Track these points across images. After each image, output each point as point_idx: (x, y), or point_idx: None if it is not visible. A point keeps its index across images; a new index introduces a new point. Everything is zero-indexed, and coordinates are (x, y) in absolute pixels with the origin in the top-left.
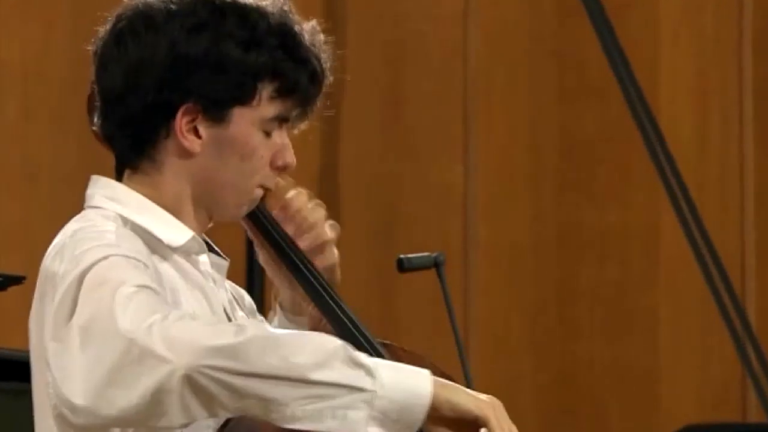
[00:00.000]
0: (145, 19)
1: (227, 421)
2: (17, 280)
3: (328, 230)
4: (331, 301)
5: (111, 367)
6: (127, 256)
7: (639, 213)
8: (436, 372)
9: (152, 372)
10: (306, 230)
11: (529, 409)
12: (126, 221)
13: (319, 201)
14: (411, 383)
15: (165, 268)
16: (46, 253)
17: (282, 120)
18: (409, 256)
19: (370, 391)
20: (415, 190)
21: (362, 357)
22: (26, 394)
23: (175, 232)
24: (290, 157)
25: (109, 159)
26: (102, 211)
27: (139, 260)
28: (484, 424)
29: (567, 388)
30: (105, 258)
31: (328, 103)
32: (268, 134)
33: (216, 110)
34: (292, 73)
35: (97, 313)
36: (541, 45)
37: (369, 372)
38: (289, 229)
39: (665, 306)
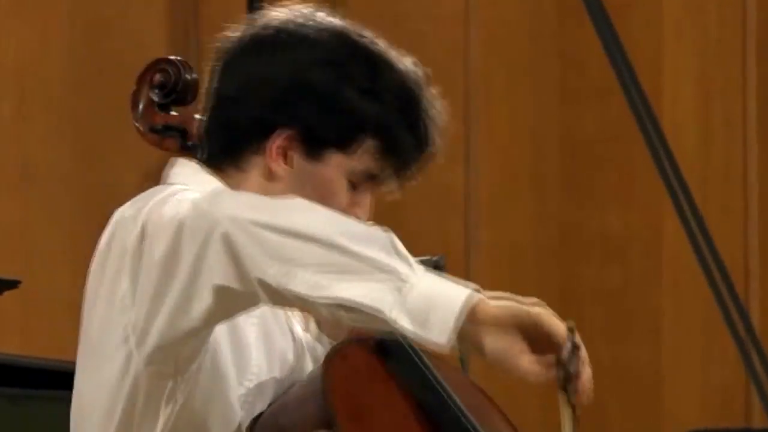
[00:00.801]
0: (280, 37)
1: (258, 417)
2: (12, 284)
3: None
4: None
5: (162, 257)
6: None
7: (641, 214)
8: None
9: (199, 235)
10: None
11: (531, 412)
12: None
13: None
14: (451, 287)
15: None
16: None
17: (371, 177)
18: None
19: (406, 280)
20: (415, 192)
21: (406, 252)
22: (23, 400)
23: None
24: (364, 216)
25: (107, 160)
26: (177, 186)
27: None
28: (543, 326)
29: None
30: (174, 192)
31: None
32: (353, 186)
33: (313, 146)
34: (398, 135)
35: (158, 228)
36: (542, 45)
37: (410, 265)
38: None
39: (667, 308)
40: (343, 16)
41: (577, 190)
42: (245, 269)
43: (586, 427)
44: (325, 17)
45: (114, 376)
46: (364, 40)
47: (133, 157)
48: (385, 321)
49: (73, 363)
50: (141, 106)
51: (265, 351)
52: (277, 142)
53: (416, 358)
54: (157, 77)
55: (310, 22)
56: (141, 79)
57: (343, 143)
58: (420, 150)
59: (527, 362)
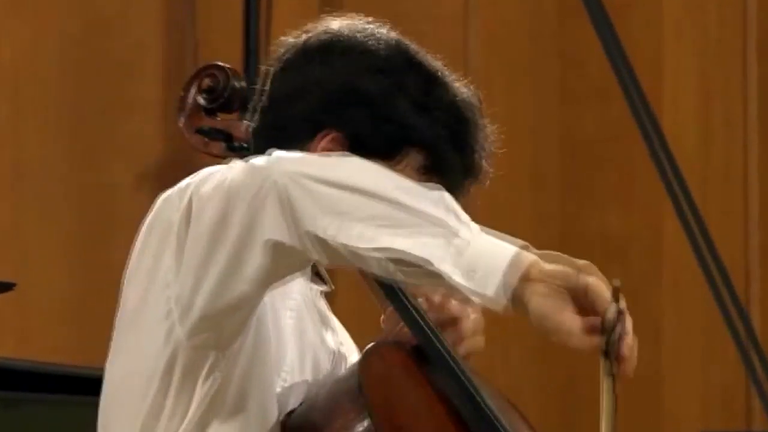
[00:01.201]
0: (342, 45)
1: (291, 412)
2: (7, 287)
3: (479, 344)
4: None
5: (213, 222)
6: None
7: (641, 216)
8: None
9: (253, 184)
10: (449, 324)
11: (532, 414)
12: None
13: (480, 316)
14: (510, 247)
15: None
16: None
17: None
18: None
19: (457, 234)
20: None
21: (462, 211)
22: (18, 403)
23: None
24: None
25: (102, 161)
26: None
27: None
28: (593, 292)
29: (570, 393)
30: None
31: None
32: None
33: (357, 151)
34: (445, 154)
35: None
36: (542, 45)
37: (467, 224)
38: (448, 335)
39: (667, 309)
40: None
41: (577, 190)
42: (298, 223)
43: (588, 428)
44: (383, 30)
45: (153, 352)
46: (421, 55)
47: (130, 158)
48: (434, 273)
49: (69, 366)
50: (187, 110)
51: (298, 348)
52: (322, 143)
53: (453, 365)
54: (206, 81)
55: (369, 33)
56: (189, 83)
57: (389, 153)
58: (464, 173)
59: (570, 320)
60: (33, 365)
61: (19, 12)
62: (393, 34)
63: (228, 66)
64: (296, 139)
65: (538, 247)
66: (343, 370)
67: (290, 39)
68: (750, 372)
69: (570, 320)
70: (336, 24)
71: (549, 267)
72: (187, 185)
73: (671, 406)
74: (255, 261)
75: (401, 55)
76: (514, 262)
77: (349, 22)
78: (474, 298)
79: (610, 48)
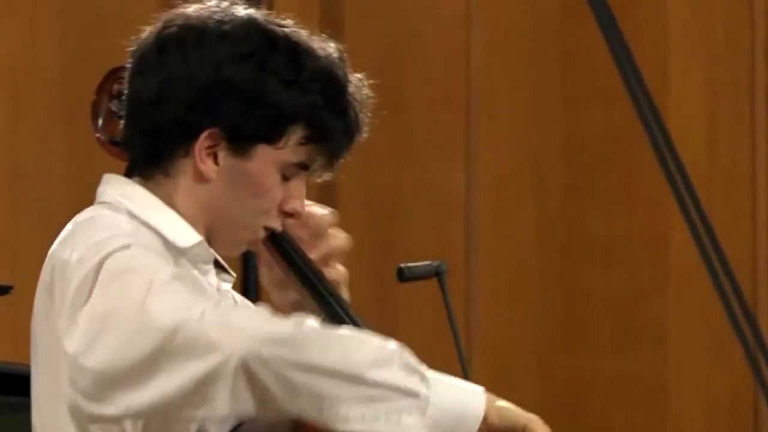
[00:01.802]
0: (196, 34)
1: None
2: (3, 290)
3: (341, 242)
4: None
5: (140, 358)
6: (147, 248)
7: (646, 219)
8: None
9: (203, 358)
10: (318, 237)
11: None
12: (134, 216)
13: (332, 210)
14: (464, 395)
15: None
16: (54, 244)
17: (303, 167)
18: (410, 264)
19: (425, 397)
20: (415, 197)
21: (416, 362)
22: (14, 408)
23: (184, 233)
24: (300, 206)
25: (99, 163)
26: (112, 206)
27: (161, 254)
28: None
29: (573, 401)
30: (126, 247)
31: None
32: (285, 178)
33: (240, 142)
34: (326, 122)
35: (121, 303)
36: (544, 45)
37: (424, 379)
38: (301, 234)
39: (674, 316)
40: (341, 16)
41: (580, 192)
42: (275, 406)
43: None
44: (240, 10)
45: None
46: (284, 30)
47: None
48: None
49: None
50: (101, 118)
51: None
52: (203, 143)
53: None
54: (116, 87)
55: (226, 17)
56: (100, 90)
57: (271, 136)
58: (350, 134)
59: None
60: (29, 369)
61: (16, 11)
62: (251, 12)
63: None
64: (175, 144)
65: (542, 252)
66: None
67: (143, 35)
68: (758, 378)
69: None
70: (189, 13)
71: (494, 407)
72: (85, 260)
73: (678, 413)
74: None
75: (258, 34)
76: (482, 415)
77: (201, 7)
78: None
79: (615, 47)
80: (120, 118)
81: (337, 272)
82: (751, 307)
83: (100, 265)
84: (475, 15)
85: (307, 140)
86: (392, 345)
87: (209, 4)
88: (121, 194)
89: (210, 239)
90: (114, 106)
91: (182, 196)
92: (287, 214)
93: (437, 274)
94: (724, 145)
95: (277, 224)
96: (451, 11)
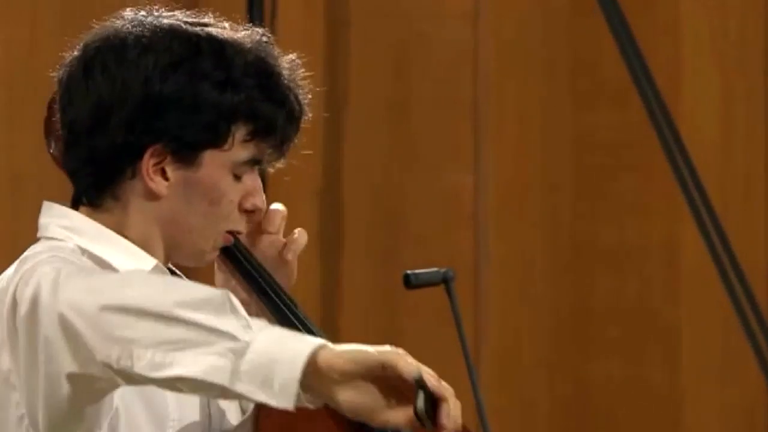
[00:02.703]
0: (116, 53)
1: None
2: None
3: (298, 239)
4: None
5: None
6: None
7: (659, 225)
8: None
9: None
10: (265, 231)
11: (543, 425)
12: (83, 251)
13: (281, 207)
14: (294, 341)
15: None
16: None
17: (255, 162)
18: (417, 271)
19: (242, 341)
20: (422, 202)
21: (242, 310)
22: None
23: (135, 260)
24: (260, 201)
25: None
26: (57, 242)
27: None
28: (393, 368)
29: (583, 410)
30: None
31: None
32: (238, 177)
33: (186, 153)
34: (268, 114)
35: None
36: (554, 46)
37: (246, 324)
38: (245, 228)
39: (687, 323)
40: (346, 17)
41: (591, 198)
42: (92, 354)
43: None
44: (160, 18)
45: None
46: (206, 29)
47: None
48: (234, 392)
49: None
50: (55, 134)
51: (177, 396)
52: (149, 161)
53: (297, 322)
54: None
55: (145, 29)
56: (50, 106)
57: (216, 140)
58: (293, 119)
59: (393, 417)
60: None
61: (14, 15)
62: (165, 19)
63: None
64: (119, 168)
65: (552, 259)
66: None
67: (65, 59)
68: None
69: (392, 417)
70: (104, 30)
71: (342, 359)
72: (9, 284)
73: (691, 424)
74: (63, 391)
75: (180, 40)
76: (290, 360)
77: (119, 22)
78: (280, 408)
79: (627, 49)
80: None
81: (290, 274)
82: (765, 314)
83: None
84: (483, 14)
85: (252, 135)
86: (216, 290)
87: (130, 15)
88: (65, 226)
89: (172, 254)
90: None
91: (135, 218)
92: (248, 213)
93: (445, 280)
94: (738, 149)
95: (240, 226)
96: (459, 11)
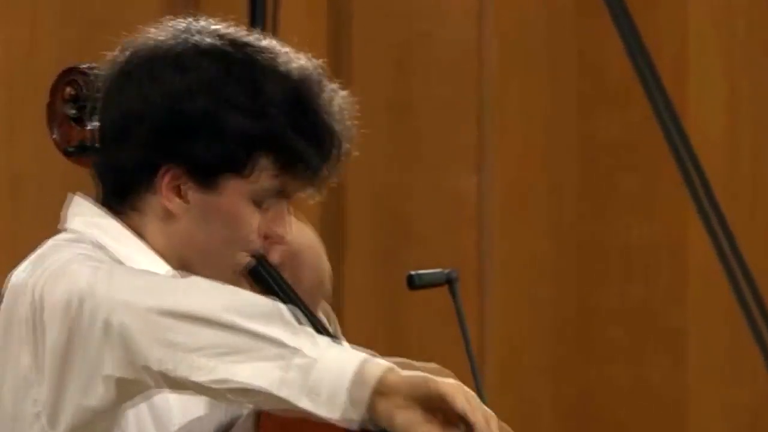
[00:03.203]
0: (149, 66)
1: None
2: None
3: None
4: None
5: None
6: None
7: (665, 226)
8: None
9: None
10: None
11: (546, 431)
12: (102, 248)
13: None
14: (357, 359)
15: None
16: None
17: (279, 193)
18: (420, 272)
19: (307, 355)
20: (425, 202)
21: (295, 323)
22: None
23: (151, 265)
24: (282, 231)
25: None
26: (76, 236)
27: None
28: (451, 403)
29: (588, 413)
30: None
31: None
32: (260, 205)
33: (204, 176)
34: (296, 147)
35: (75, 336)
36: (560, 46)
37: (311, 338)
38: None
39: (693, 325)
40: (348, 15)
41: (597, 199)
42: (135, 357)
43: None
44: (200, 32)
45: None
46: (245, 50)
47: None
48: (280, 399)
49: None
50: (58, 121)
51: (179, 399)
52: (165, 179)
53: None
54: (68, 90)
55: (180, 43)
56: (53, 92)
57: (236, 168)
58: (326, 157)
59: None
60: None
61: (14, 14)
62: (211, 30)
63: (89, 66)
64: (138, 181)
65: (557, 260)
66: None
67: (110, 60)
68: None
69: None
70: (144, 39)
71: (401, 377)
72: (31, 277)
73: (697, 429)
74: (99, 392)
75: (213, 60)
76: (358, 379)
77: (161, 31)
78: (328, 420)
79: (633, 49)
80: (75, 122)
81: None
82: None
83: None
84: (487, 14)
85: (278, 168)
86: (278, 304)
87: (173, 24)
88: (90, 223)
89: (191, 271)
90: (68, 110)
91: (152, 231)
92: (270, 240)
93: (449, 281)
94: (745, 148)
95: (257, 249)
96: (462, 10)
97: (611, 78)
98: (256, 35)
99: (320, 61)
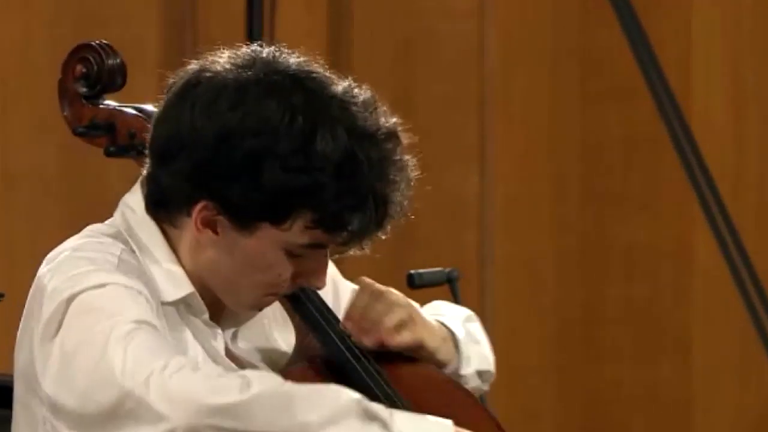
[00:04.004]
0: (212, 95)
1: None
2: None
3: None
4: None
5: (102, 410)
6: (127, 287)
7: (670, 225)
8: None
9: (150, 428)
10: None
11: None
12: (133, 255)
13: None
14: (430, 427)
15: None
16: (43, 263)
17: (316, 246)
18: (421, 271)
19: None
20: (426, 201)
21: (378, 409)
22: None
23: (175, 284)
24: (319, 281)
25: (93, 166)
26: (116, 234)
27: (140, 292)
28: None
29: (592, 416)
30: (102, 285)
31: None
32: (294, 255)
33: (240, 219)
34: (336, 211)
35: (85, 344)
36: (563, 42)
37: (385, 425)
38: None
39: (699, 326)
40: (349, 12)
41: (600, 197)
42: None
43: None
44: (272, 63)
45: None
46: (309, 94)
47: (121, 162)
48: None
49: None
50: (69, 98)
51: None
52: (199, 212)
53: (361, 368)
54: (79, 68)
55: (249, 78)
56: (65, 68)
57: (273, 219)
58: (368, 224)
59: None
60: (10, 380)
61: (7, 6)
62: (283, 66)
63: (100, 43)
64: (177, 205)
65: (559, 260)
66: None
67: (180, 72)
68: None
69: None
70: (216, 62)
71: None
72: (72, 282)
73: (703, 429)
74: None
75: (276, 104)
76: None
77: (232, 56)
78: None
79: (636, 44)
80: (86, 99)
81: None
82: None
83: (70, 301)
84: (489, 10)
85: (316, 225)
86: (348, 396)
87: (250, 50)
88: (140, 224)
89: (218, 296)
90: (80, 88)
91: (183, 250)
92: (301, 287)
93: (449, 281)
94: (752, 146)
95: (289, 291)
96: (464, 6)
97: (615, 74)
98: (332, 76)
99: (393, 120)
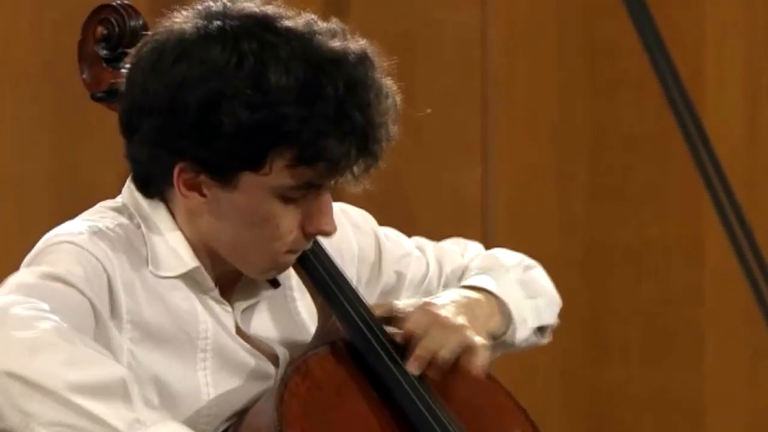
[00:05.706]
0: (155, 55)
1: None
2: None
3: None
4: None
5: None
6: (69, 284)
7: (679, 222)
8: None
9: None
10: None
11: (551, 418)
12: (138, 226)
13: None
14: None
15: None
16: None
17: (310, 186)
18: None
19: None
20: (427, 197)
21: (139, 400)
22: None
23: (176, 258)
24: (325, 224)
25: (85, 162)
26: (121, 208)
27: (83, 293)
28: None
29: (599, 418)
30: (51, 276)
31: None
32: (290, 200)
33: (218, 173)
34: (314, 139)
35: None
36: (569, 32)
37: (135, 418)
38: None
39: (710, 326)
40: (347, 1)
41: (608, 193)
42: (2, 418)
43: None
44: (218, 12)
45: None
46: (260, 33)
47: (113, 157)
48: None
49: None
50: (88, 60)
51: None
52: (179, 176)
53: (386, 355)
54: (100, 30)
55: (193, 29)
56: (85, 29)
57: (250, 164)
58: (350, 147)
59: None
60: None
61: None
62: (234, 14)
63: (122, 3)
64: (157, 174)
65: (565, 259)
66: (269, 390)
67: (144, 40)
68: None
69: None
70: (164, 24)
71: None
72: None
73: None
74: None
75: (224, 47)
76: None
77: (186, 15)
78: None
79: (646, 34)
80: (107, 62)
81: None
82: None
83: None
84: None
85: (297, 162)
86: (122, 373)
87: (203, 7)
88: (141, 199)
89: (233, 264)
90: (101, 51)
91: (183, 222)
92: (312, 236)
93: None
94: (765, 139)
95: (301, 246)
96: None
97: (623, 66)
98: (289, 13)
99: (363, 43)
